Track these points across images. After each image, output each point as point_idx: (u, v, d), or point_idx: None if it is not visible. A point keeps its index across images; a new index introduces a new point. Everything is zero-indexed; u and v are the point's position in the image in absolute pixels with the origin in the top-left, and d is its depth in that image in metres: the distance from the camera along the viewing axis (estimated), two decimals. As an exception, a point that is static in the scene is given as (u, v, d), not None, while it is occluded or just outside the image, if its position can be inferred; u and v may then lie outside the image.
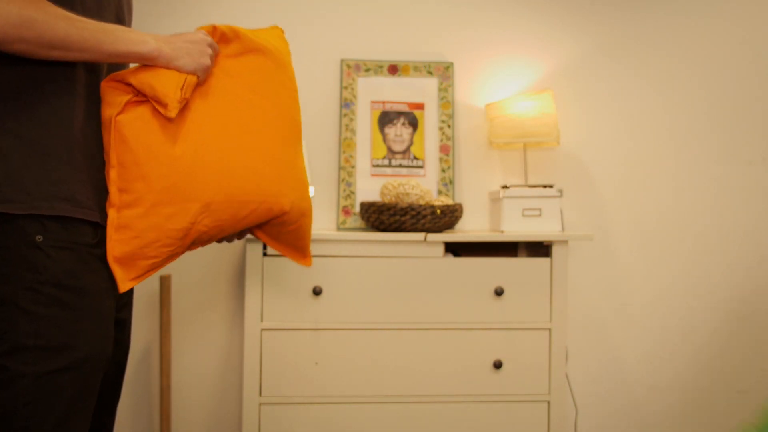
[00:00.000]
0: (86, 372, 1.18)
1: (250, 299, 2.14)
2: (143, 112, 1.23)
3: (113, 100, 1.24)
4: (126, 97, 1.23)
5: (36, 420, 1.12)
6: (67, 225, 1.16)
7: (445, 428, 2.19)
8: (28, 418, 1.11)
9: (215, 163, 1.26)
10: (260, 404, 2.14)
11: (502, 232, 2.29)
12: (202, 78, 1.27)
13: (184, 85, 1.23)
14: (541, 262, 2.22)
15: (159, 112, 1.22)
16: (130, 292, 1.38)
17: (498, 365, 2.18)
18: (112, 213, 1.21)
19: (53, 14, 1.11)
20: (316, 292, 2.13)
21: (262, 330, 2.14)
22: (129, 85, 1.24)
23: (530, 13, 2.60)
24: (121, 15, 1.35)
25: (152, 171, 1.21)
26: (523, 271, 2.21)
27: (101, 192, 1.23)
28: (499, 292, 2.19)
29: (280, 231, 1.44)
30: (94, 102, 1.24)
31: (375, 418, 2.17)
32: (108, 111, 1.23)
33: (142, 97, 1.23)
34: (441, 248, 2.20)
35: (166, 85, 1.21)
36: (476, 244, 2.35)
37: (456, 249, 2.32)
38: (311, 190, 2.27)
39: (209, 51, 1.28)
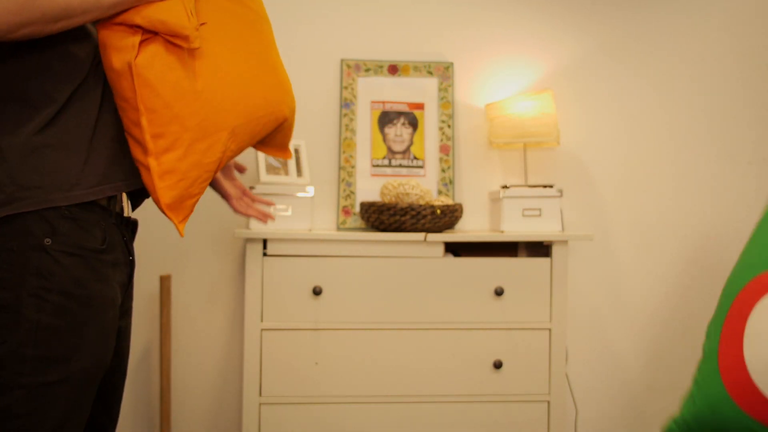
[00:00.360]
0: (82, 385, 1.14)
1: (250, 299, 2.14)
2: (158, 49, 1.17)
3: (122, 43, 1.16)
4: (137, 38, 1.15)
5: (28, 431, 1.08)
6: (77, 219, 1.12)
7: (445, 428, 2.19)
8: (20, 429, 1.08)
9: (233, 87, 1.22)
10: (260, 404, 2.14)
11: (502, 232, 2.29)
12: None
13: (192, 10, 1.18)
14: (541, 262, 2.22)
15: (172, 47, 1.16)
16: (131, 297, 1.34)
17: (498, 365, 2.18)
18: (152, 162, 1.17)
19: None
20: (316, 292, 2.13)
21: (262, 330, 2.14)
22: (135, 26, 1.16)
23: (530, 13, 2.60)
24: None
25: (184, 109, 1.17)
26: (523, 271, 2.21)
27: (112, 161, 1.19)
28: (499, 292, 2.19)
29: (275, 135, 1.40)
30: (98, 83, 1.20)
31: (375, 418, 2.17)
32: (119, 57, 1.16)
33: (150, 34, 1.16)
34: (441, 248, 2.20)
35: (178, 16, 1.15)
36: (476, 244, 2.35)
37: (456, 249, 2.32)
38: (311, 190, 2.27)
39: None
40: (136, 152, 1.20)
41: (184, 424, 2.49)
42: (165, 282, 2.39)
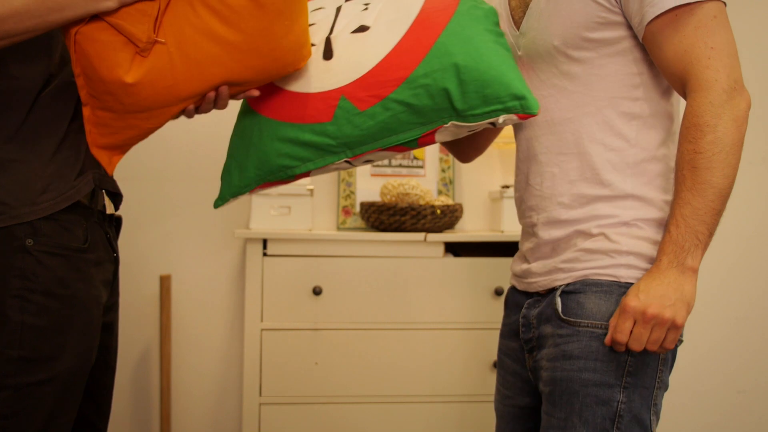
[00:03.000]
0: (68, 384, 1.13)
1: (250, 299, 2.14)
2: (107, 25, 1.08)
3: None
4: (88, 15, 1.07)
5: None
6: (58, 219, 1.11)
7: (445, 428, 2.19)
8: (7, 429, 1.07)
9: (195, 73, 1.11)
10: (260, 404, 2.14)
11: (502, 232, 2.29)
12: None
13: (158, 16, 1.07)
14: (541, 262, 2.22)
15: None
16: (117, 293, 1.32)
17: (498, 365, 2.18)
18: (86, 111, 1.12)
19: None
20: (316, 292, 2.13)
21: (262, 330, 2.14)
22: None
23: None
24: None
25: (119, 90, 1.08)
26: (523, 271, 2.21)
27: (82, 160, 1.17)
28: (499, 292, 2.19)
29: None
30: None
31: (375, 418, 2.17)
32: (71, 26, 1.09)
33: None
34: (441, 248, 2.20)
35: (136, 25, 1.06)
36: (476, 244, 2.35)
37: (456, 249, 2.32)
38: (311, 190, 2.26)
39: None
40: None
41: (184, 424, 2.49)
42: (165, 282, 2.39)
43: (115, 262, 1.28)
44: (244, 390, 2.14)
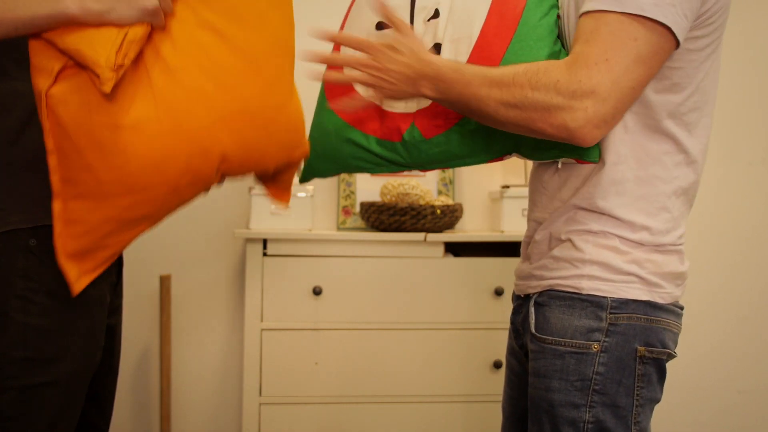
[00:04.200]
0: (72, 385, 1.11)
1: (250, 299, 2.14)
2: (82, 84, 0.96)
3: (43, 64, 0.97)
4: (58, 64, 0.96)
5: None
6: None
7: (445, 428, 2.19)
8: (11, 430, 1.05)
9: (187, 140, 1.01)
10: (260, 404, 2.14)
11: (502, 232, 2.29)
12: (156, 23, 0.99)
13: (122, 44, 0.94)
14: (541, 262, 2.22)
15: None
16: (120, 295, 1.32)
17: (498, 365, 2.18)
18: (57, 205, 1.01)
19: None
20: (316, 292, 2.13)
21: (262, 330, 2.14)
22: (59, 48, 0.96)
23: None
24: None
25: (98, 162, 0.98)
26: (523, 271, 2.21)
27: None
28: (499, 292, 2.19)
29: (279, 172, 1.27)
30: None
31: (375, 418, 2.17)
32: (38, 80, 0.98)
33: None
34: (441, 248, 2.20)
35: (96, 49, 0.93)
36: (476, 244, 2.35)
37: (456, 249, 2.32)
38: (311, 190, 2.26)
39: None
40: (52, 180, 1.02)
41: (184, 424, 2.49)
42: (165, 282, 2.39)
43: (119, 263, 1.27)
44: (244, 390, 2.14)
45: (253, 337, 2.14)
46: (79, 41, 0.94)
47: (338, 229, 2.44)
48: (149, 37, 1.00)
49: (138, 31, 0.96)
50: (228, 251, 2.49)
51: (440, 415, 2.19)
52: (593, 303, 1.07)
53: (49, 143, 0.99)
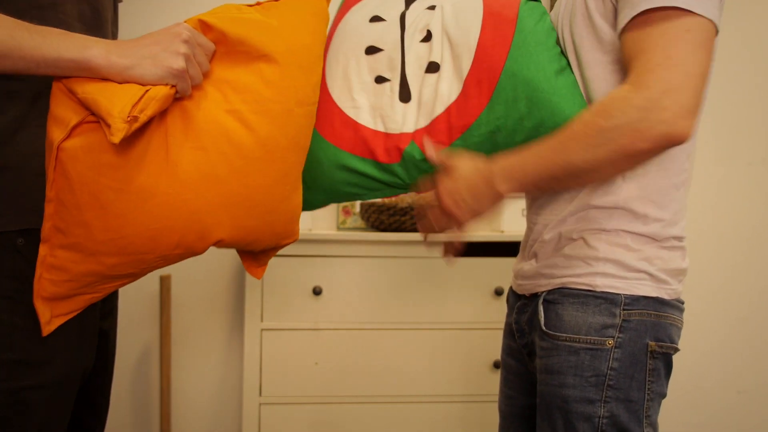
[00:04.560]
0: (63, 388, 1.08)
1: (250, 299, 2.14)
2: (95, 142, 0.95)
3: (61, 113, 0.96)
4: (76, 118, 0.95)
5: None
6: None
7: (445, 428, 2.19)
8: None
9: (189, 218, 1.01)
10: (260, 404, 2.14)
11: (502, 232, 2.29)
12: (181, 87, 0.97)
13: (141, 99, 0.92)
14: (541, 262, 2.22)
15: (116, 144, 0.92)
16: (115, 298, 1.28)
17: (498, 365, 2.18)
18: (43, 249, 1.00)
19: None
20: (316, 292, 2.13)
21: (262, 330, 2.14)
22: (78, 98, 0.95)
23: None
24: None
25: (95, 221, 0.97)
26: (523, 271, 2.21)
27: None
28: (499, 292, 2.19)
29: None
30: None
31: (374, 418, 2.17)
32: (53, 129, 0.96)
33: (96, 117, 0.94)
34: (441, 248, 2.19)
35: (113, 100, 0.91)
36: (476, 244, 2.35)
37: (456, 249, 2.33)
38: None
39: (182, 48, 0.96)
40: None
41: (184, 424, 2.49)
42: (165, 282, 2.39)
43: None
44: (244, 390, 2.14)
45: (253, 337, 2.14)
46: (98, 92, 0.93)
47: (338, 229, 2.44)
48: (175, 107, 0.98)
49: (161, 90, 0.94)
50: (228, 251, 2.49)
51: (440, 414, 2.19)
52: (607, 300, 1.08)
53: (51, 193, 0.98)
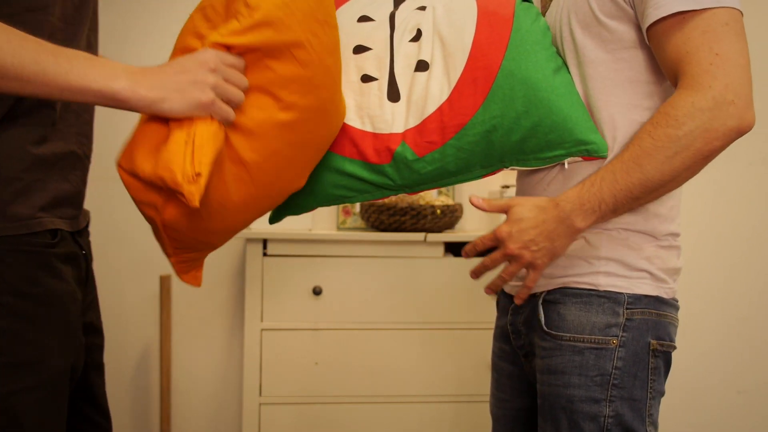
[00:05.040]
0: (56, 389, 1.04)
1: (250, 299, 2.14)
2: (185, 205, 1.01)
3: (147, 200, 1.03)
4: (159, 198, 1.02)
5: None
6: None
7: (445, 428, 2.19)
8: None
9: (275, 197, 1.17)
10: (260, 404, 2.14)
11: (502, 232, 2.29)
12: (219, 117, 0.97)
13: (193, 153, 0.92)
14: (541, 262, 2.22)
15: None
16: (94, 291, 1.25)
17: (498, 365, 2.18)
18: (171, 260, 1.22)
19: None
20: (316, 292, 2.13)
21: (262, 330, 2.14)
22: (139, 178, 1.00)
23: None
24: (93, 40, 1.15)
25: (209, 238, 1.22)
26: (523, 271, 2.21)
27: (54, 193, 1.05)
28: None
29: None
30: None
31: (374, 418, 2.17)
32: (149, 213, 1.06)
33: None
34: (441, 248, 2.20)
35: (171, 168, 0.92)
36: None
37: (456, 249, 2.32)
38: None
39: (210, 78, 0.95)
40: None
41: (184, 424, 2.49)
42: (165, 282, 2.39)
43: (85, 259, 1.20)
44: (244, 390, 2.14)
45: (253, 337, 2.14)
46: (157, 168, 0.93)
47: (338, 229, 2.44)
48: (231, 133, 1.01)
49: (205, 132, 0.93)
50: (228, 251, 2.49)
51: (440, 414, 2.19)
52: (610, 299, 1.08)
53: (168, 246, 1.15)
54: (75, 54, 0.91)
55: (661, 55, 1.03)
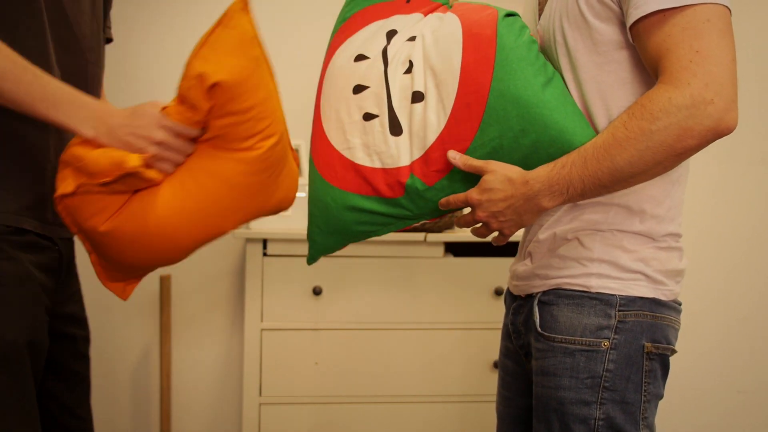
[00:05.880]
0: (15, 363, 1.06)
1: (250, 299, 2.14)
2: (123, 218, 1.15)
3: (94, 212, 1.15)
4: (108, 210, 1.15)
5: None
6: None
7: (445, 428, 2.19)
8: None
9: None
10: (260, 404, 2.14)
11: (502, 232, 2.29)
12: (161, 167, 1.12)
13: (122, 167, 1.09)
14: (541, 262, 2.22)
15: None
16: (76, 282, 1.30)
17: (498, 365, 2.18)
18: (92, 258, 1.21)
19: None
20: (316, 292, 2.13)
21: (262, 330, 2.14)
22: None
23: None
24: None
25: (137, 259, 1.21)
26: (523, 271, 2.21)
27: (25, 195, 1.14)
28: (499, 292, 2.19)
29: None
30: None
31: (375, 418, 2.17)
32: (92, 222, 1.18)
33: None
34: (441, 248, 2.20)
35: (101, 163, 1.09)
36: (476, 244, 2.35)
37: (456, 249, 2.32)
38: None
39: (156, 136, 1.09)
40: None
41: (184, 424, 2.49)
42: (165, 282, 2.39)
43: (59, 251, 1.23)
44: (244, 390, 2.14)
45: (253, 337, 2.14)
46: (100, 159, 1.09)
47: (338, 229, 2.44)
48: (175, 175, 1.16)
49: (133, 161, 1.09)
50: (228, 251, 2.49)
51: (440, 414, 2.19)
52: (602, 301, 1.08)
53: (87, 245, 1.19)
54: (57, 86, 1.07)
55: (644, 54, 1.03)
